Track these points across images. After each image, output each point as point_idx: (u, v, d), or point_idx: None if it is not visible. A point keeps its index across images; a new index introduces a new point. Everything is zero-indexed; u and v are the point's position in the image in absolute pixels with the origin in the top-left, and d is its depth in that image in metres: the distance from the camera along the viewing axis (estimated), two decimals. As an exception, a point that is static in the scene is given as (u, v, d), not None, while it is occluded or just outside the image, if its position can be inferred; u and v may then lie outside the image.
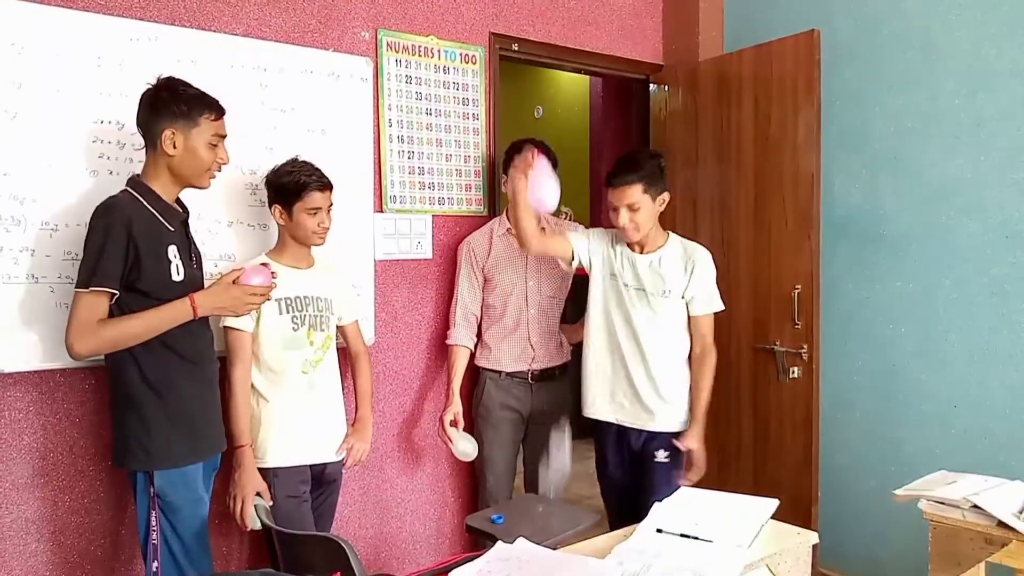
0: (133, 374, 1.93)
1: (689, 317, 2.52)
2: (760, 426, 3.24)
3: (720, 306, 2.54)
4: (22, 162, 2.07)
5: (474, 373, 2.93)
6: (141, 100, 1.98)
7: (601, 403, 2.59)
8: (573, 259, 2.58)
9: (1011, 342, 2.66)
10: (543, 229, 2.54)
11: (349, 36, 2.73)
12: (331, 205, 2.35)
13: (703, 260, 2.51)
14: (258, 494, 2.17)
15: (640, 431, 2.53)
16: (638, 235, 2.47)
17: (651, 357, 2.49)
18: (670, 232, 2.58)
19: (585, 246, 2.58)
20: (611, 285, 2.55)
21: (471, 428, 2.83)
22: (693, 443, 2.46)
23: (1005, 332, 2.67)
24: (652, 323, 2.48)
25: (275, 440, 2.27)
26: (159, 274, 1.92)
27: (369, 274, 2.79)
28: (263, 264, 2.13)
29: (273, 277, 2.08)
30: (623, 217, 2.43)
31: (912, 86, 2.89)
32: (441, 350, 2.99)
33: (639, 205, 2.42)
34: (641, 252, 2.52)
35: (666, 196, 2.48)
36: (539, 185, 2.36)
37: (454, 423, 2.74)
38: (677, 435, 2.49)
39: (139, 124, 1.99)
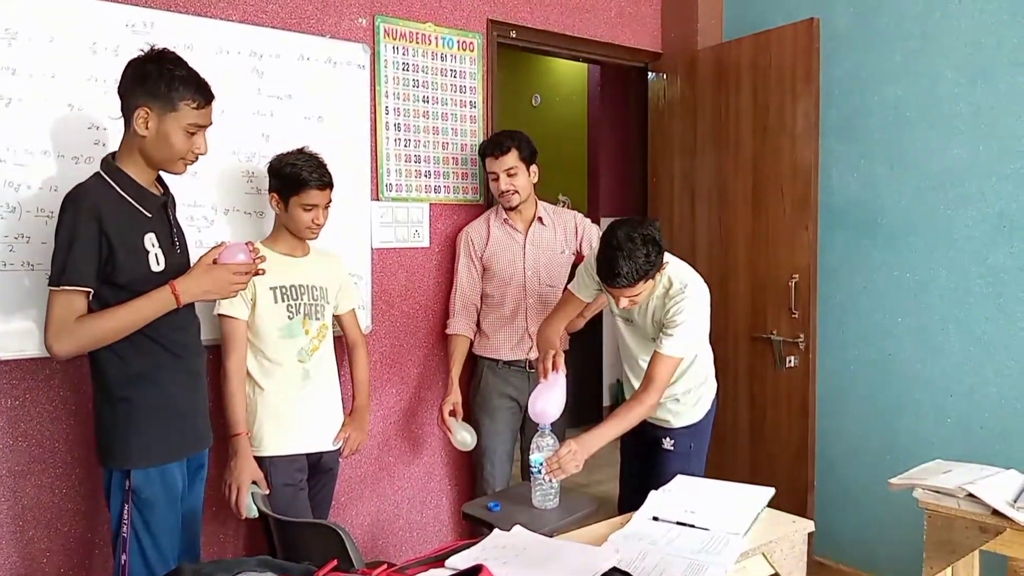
0: (113, 367, 1.82)
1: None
2: (757, 415, 3.25)
3: (679, 353, 2.22)
4: (16, 149, 2.06)
5: (472, 361, 2.93)
6: (126, 67, 1.82)
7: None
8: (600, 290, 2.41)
9: (1007, 332, 2.66)
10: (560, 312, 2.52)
11: (346, 22, 2.72)
12: (329, 203, 2.31)
13: (682, 301, 2.23)
14: (254, 482, 2.17)
15: (655, 426, 2.51)
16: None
17: None
18: (667, 262, 2.23)
19: (591, 288, 2.43)
20: (617, 319, 2.46)
21: (469, 417, 2.83)
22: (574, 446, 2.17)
23: (1001, 322, 2.68)
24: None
25: (271, 429, 2.27)
26: (136, 266, 1.79)
27: (366, 262, 2.78)
28: (242, 244, 1.94)
29: (252, 251, 1.91)
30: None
31: (911, 75, 2.88)
32: (438, 338, 2.99)
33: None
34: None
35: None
36: (544, 399, 2.27)
37: (453, 413, 2.75)
38: (688, 428, 2.46)
39: (119, 93, 1.83)
